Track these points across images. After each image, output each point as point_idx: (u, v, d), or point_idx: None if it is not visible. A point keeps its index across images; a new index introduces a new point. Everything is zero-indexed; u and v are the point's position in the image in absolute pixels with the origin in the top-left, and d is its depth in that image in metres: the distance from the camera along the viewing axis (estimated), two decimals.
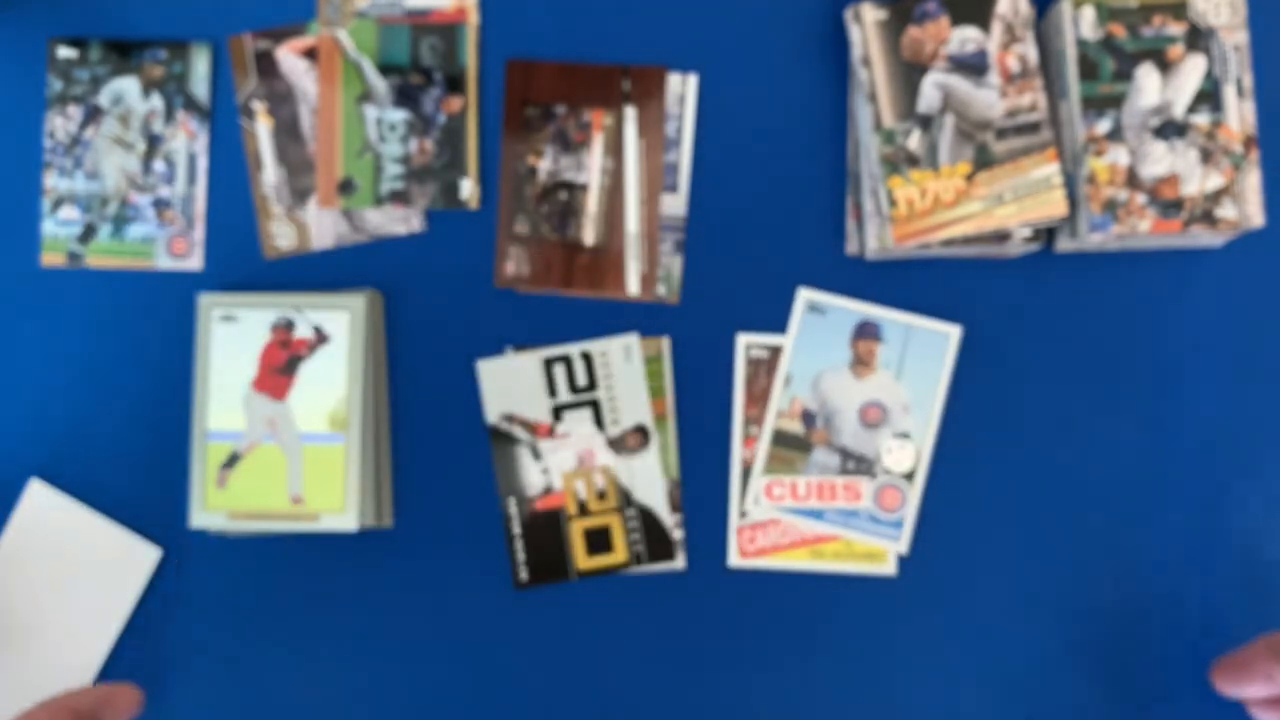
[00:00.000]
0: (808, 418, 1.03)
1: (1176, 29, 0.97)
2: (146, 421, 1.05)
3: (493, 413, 1.04)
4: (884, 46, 0.98)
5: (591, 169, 1.05)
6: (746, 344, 1.04)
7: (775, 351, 1.04)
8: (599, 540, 1.04)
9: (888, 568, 1.03)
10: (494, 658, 1.04)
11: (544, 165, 1.05)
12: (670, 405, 1.04)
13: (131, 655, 1.04)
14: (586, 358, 1.04)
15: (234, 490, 1.01)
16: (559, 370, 1.04)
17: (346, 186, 1.05)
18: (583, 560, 1.04)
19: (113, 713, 0.81)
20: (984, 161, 0.97)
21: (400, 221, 1.06)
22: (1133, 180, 0.96)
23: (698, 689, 1.03)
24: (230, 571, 1.04)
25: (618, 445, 1.04)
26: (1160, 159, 0.97)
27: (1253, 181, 0.96)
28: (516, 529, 1.04)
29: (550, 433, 1.04)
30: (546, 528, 1.04)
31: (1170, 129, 0.97)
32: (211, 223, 1.06)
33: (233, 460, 1.01)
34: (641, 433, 1.04)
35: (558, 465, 1.04)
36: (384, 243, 1.06)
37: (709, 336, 1.04)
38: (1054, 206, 0.97)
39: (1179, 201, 0.96)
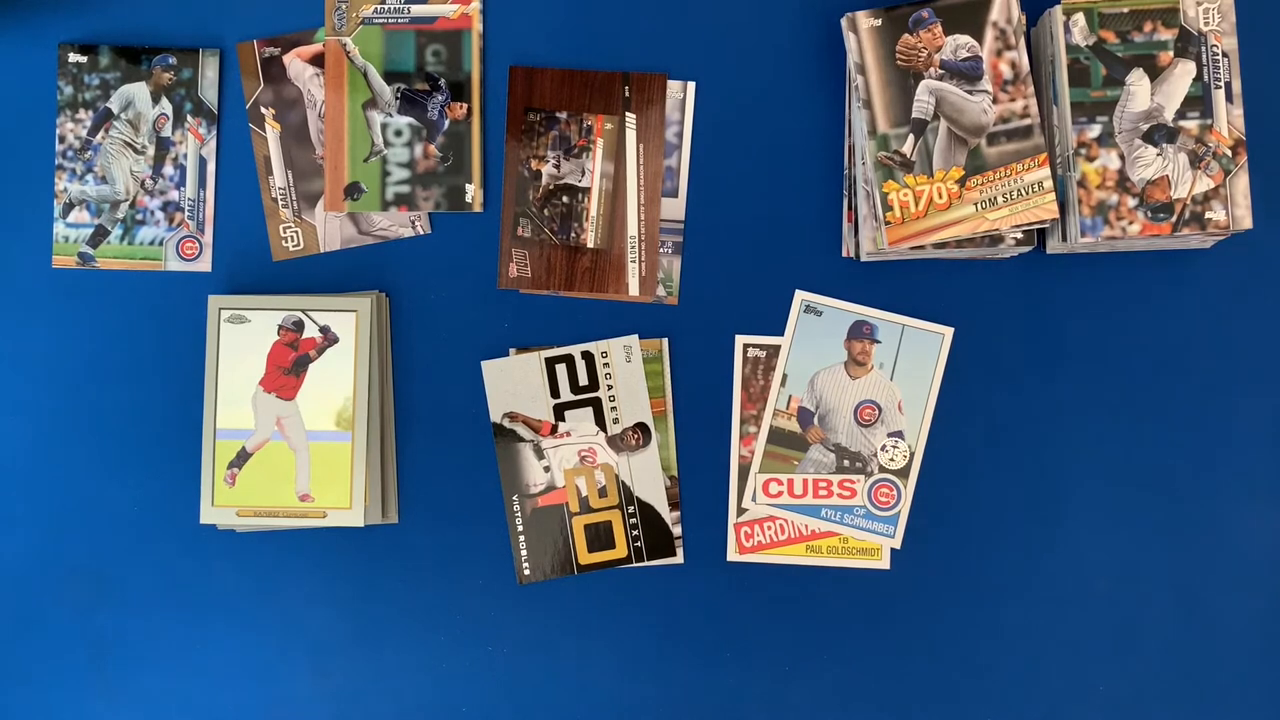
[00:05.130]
0: (804, 416, 1.06)
1: (1167, 35, 0.99)
2: (157, 421, 1.07)
3: (496, 411, 1.06)
4: (879, 54, 1.00)
5: (593, 173, 1.06)
6: (744, 344, 1.06)
7: (772, 352, 1.06)
8: (600, 536, 1.06)
9: (881, 562, 1.05)
10: (497, 651, 1.06)
11: (546, 169, 1.07)
12: (669, 404, 1.06)
13: (139, 646, 1.07)
14: (588, 358, 1.06)
15: (243, 488, 1.03)
16: (561, 370, 1.06)
17: (353, 190, 1.07)
18: (584, 556, 1.06)
19: None
20: (976, 166, 0.99)
21: (406, 224, 1.08)
22: (1123, 183, 0.98)
23: (697, 681, 1.06)
24: (238, 566, 1.07)
25: (618, 443, 1.06)
26: (1150, 163, 0.98)
27: (1241, 185, 0.98)
28: (519, 525, 1.06)
29: (552, 431, 1.06)
30: (549, 524, 1.06)
31: (1160, 133, 0.98)
32: (220, 226, 1.08)
33: (242, 458, 1.03)
34: (642, 431, 1.06)
35: (560, 463, 1.06)
36: (390, 245, 1.08)
37: (708, 337, 1.06)
38: (1045, 210, 0.98)
39: (1169, 205, 0.98)
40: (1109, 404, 1.05)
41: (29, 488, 1.07)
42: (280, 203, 1.08)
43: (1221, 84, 0.98)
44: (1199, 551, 1.05)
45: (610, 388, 1.06)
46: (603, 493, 1.06)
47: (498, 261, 1.07)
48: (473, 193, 1.07)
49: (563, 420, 1.06)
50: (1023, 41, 0.99)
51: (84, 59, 1.08)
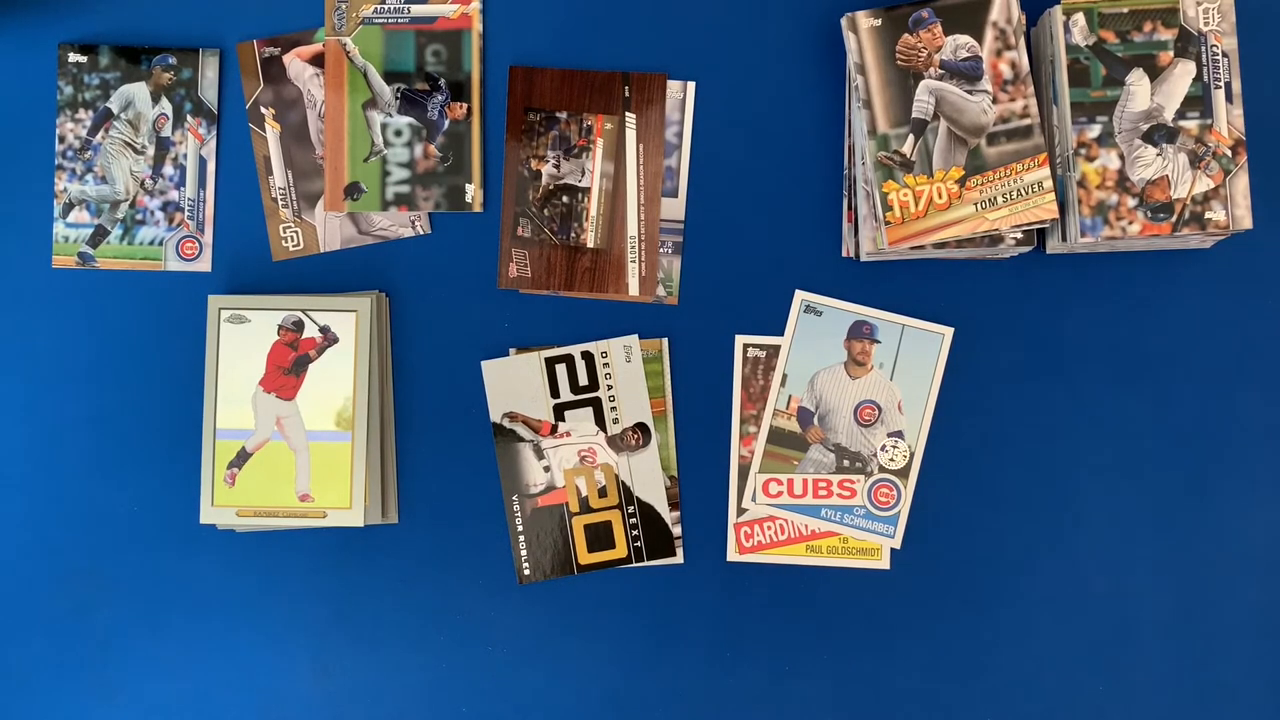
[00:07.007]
0: (804, 416, 1.06)
1: (1167, 35, 0.99)
2: (156, 421, 1.07)
3: (496, 411, 1.07)
4: (879, 54, 1.00)
5: (593, 173, 1.06)
6: (744, 344, 1.06)
7: (772, 352, 1.06)
8: (600, 536, 1.06)
9: (881, 562, 1.05)
10: (497, 651, 1.06)
11: (546, 169, 1.07)
12: (669, 404, 1.06)
13: (139, 646, 1.07)
14: (588, 358, 1.06)
15: (243, 488, 1.03)
16: (561, 370, 1.06)
17: (353, 190, 1.07)
18: (584, 556, 1.06)
19: None
20: (976, 166, 0.99)
21: (406, 224, 1.08)
22: (1123, 183, 0.98)
23: (697, 681, 1.06)
24: (238, 566, 1.07)
25: (618, 443, 1.06)
26: (1150, 163, 0.98)
27: (1241, 185, 0.98)
28: (519, 525, 1.06)
29: (552, 431, 1.06)
30: (549, 524, 1.06)
31: (1160, 133, 0.98)
32: (220, 226, 1.08)
33: (242, 458, 1.03)
34: (642, 431, 1.06)
35: (559, 463, 1.06)
36: (390, 245, 1.08)
37: (707, 337, 1.06)
38: (1045, 210, 0.98)
39: (1169, 205, 0.98)
40: (1109, 404, 1.05)
41: (28, 487, 1.07)
42: (280, 203, 1.08)
43: (1221, 84, 0.98)
44: (1199, 551, 1.05)
45: (610, 388, 1.06)
46: (602, 493, 1.06)
47: (498, 261, 1.07)
48: (473, 193, 1.07)
49: (563, 420, 1.06)
50: (1023, 41, 0.99)
51: (84, 59, 1.08)
